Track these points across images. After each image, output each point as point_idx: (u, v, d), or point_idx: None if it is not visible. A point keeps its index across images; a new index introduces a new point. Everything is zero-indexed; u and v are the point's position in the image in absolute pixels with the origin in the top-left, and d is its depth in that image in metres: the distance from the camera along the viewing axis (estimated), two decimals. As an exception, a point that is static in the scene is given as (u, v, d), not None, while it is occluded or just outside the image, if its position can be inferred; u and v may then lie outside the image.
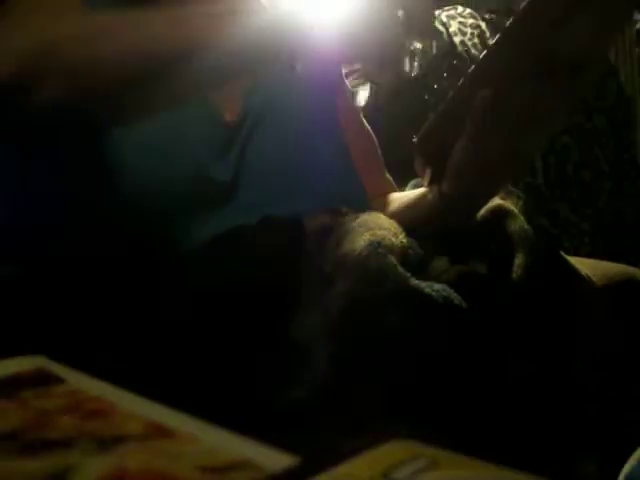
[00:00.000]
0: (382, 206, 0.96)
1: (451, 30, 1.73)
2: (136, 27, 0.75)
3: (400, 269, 0.63)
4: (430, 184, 0.84)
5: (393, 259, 0.64)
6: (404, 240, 0.69)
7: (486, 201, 0.82)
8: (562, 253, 0.80)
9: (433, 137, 0.81)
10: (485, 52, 0.78)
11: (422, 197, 0.89)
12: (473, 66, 0.78)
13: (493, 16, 1.78)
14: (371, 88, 1.72)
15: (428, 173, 0.82)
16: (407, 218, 0.80)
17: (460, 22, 1.76)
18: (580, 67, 0.76)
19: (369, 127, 1.11)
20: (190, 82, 0.75)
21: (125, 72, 0.73)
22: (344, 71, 1.58)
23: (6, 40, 0.76)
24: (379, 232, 0.66)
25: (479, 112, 0.75)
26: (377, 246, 0.64)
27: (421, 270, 0.70)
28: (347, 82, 1.24)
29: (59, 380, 0.35)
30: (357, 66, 1.64)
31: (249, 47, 0.73)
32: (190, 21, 0.75)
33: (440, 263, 0.74)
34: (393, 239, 0.67)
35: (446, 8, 1.77)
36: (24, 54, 0.73)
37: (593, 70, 0.85)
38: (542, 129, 0.79)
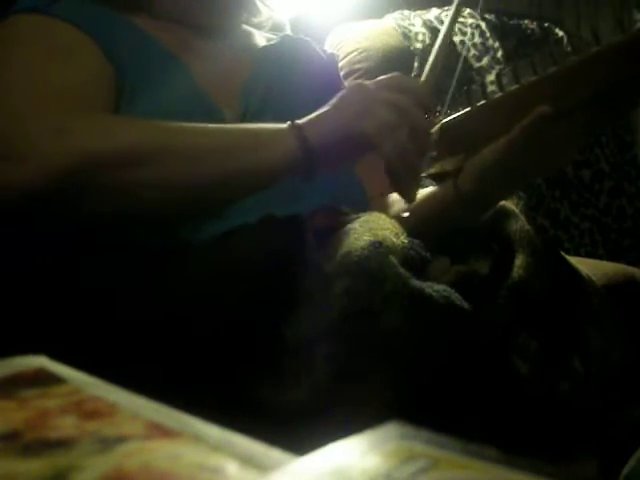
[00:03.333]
0: (383, 206, 0.96)
1: (451, 30, 1.73)
2: (184, 148, 0.75)
3: (401, 269, 0.63)
4: (445, 176, 0.84)
5: (394, 259, 0.64)
6: (405, 240, 0.69)
7: (498, 202, 0.83)
8: (562, 253, 0.80)
9: (462, 128, 0.81)
10: (554, 69, 0.77)
11: (425, 199, 0.89)
12: (534, 77, 0.77)
13: (493, 16, 1.78)
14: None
15: (448, 161, 0.82)
16: (410, 218, 0.80)
17: (460, 22, 1.76)
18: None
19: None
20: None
21: (171, 194, 0.75)
22: (344, 71, 1.58)
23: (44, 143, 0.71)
24: (380, 232, 0.66)
25: (533, 124, 0.75)
26: (378, 246, 0.64)
27: (422, 270, 0.70)
28: (347, 82, 1.24)
29: (59, 380, 0.35)
30: (358, 66, 1.64)
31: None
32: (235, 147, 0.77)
33: (441, 263, 0.74)
34: (394, 239, 0.67)
35: (446, 8, 1.77)
36: (68, 166, 0.70)
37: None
38: (576, 150, 0.80)
